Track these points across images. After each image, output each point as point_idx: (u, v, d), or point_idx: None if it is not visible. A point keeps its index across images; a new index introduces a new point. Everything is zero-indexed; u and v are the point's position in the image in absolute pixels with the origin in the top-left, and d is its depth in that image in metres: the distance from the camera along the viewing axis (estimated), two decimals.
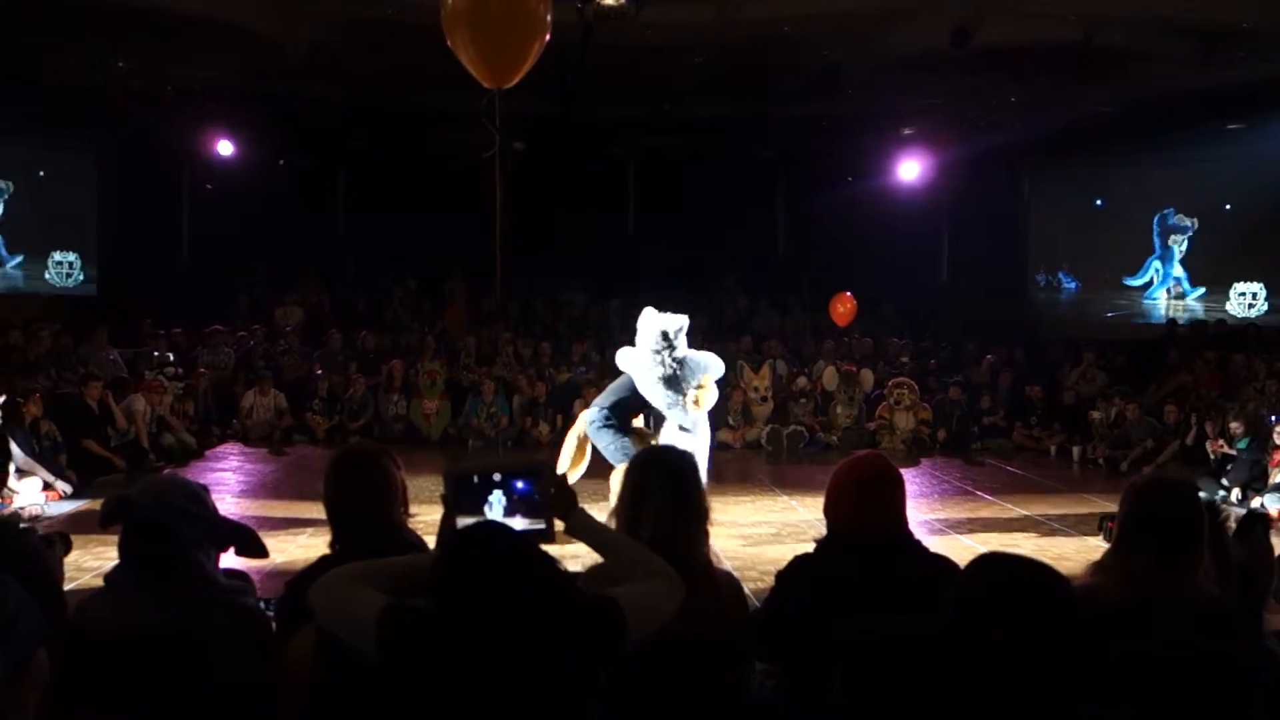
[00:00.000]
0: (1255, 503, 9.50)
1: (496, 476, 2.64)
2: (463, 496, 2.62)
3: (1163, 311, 16.88)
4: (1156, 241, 16.95)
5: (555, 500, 2.62)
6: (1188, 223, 16.62)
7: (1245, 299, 16.20)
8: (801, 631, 2.80)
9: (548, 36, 6.52)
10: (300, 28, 12.48)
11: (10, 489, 8.36)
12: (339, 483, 2.96)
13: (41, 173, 16.00)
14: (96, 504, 7.42)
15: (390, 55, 13.18)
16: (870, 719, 2.52)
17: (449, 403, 13.74)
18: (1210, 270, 16.54)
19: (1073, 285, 17.87)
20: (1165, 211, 16.76)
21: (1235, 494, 10.15)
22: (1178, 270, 16.90)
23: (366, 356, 14.74)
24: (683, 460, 3.09)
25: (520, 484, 2.62)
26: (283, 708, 2.59)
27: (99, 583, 2.80)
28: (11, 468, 8.10)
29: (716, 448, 13.03)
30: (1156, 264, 17.02)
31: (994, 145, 15.08)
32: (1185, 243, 16.74)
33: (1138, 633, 2.54)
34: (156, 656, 2.51)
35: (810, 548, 3.09)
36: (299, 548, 7.04)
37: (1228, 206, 16.05)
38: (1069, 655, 1.91)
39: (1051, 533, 8.49)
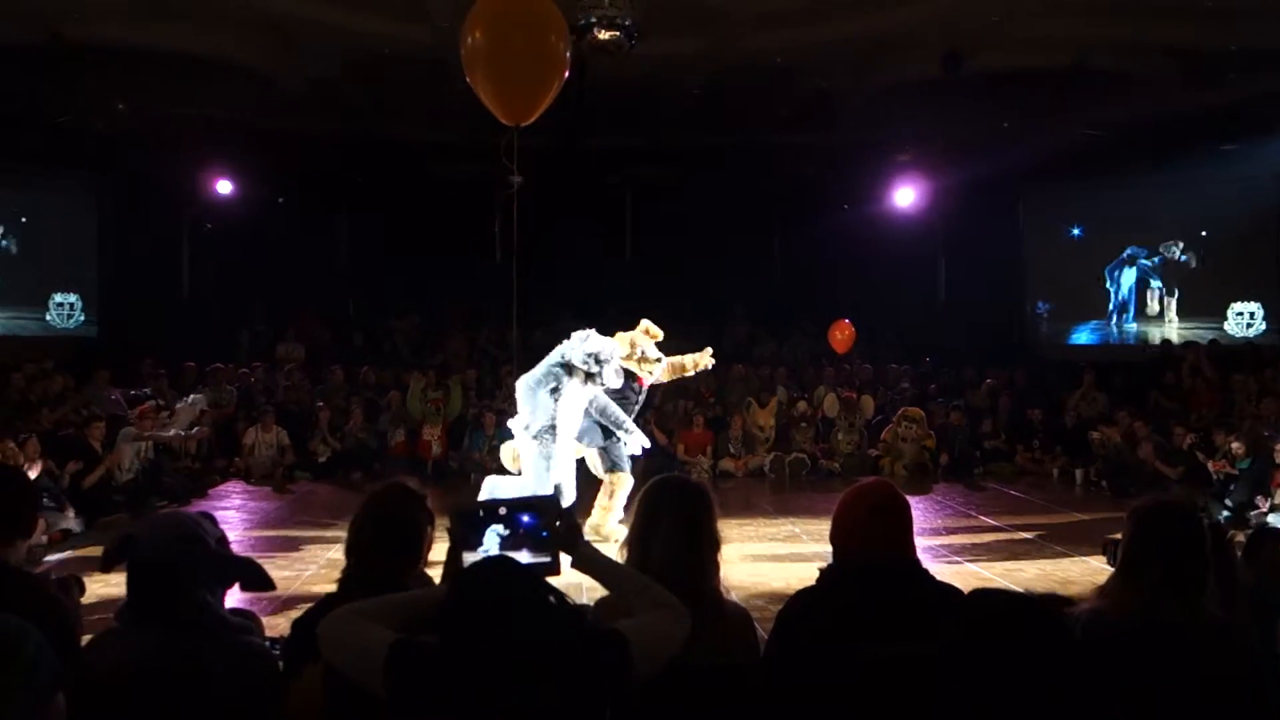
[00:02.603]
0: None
1: (502, 511, 2.65)
2: (468, 532, 2.62)
3: (1134, 336, 17.13)
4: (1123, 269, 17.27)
5: (561, 535, 2.63)
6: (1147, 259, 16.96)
7: (1243, 319, 16.24)
8: (809, 665, 2.78)
9: (566, 73, 6.60)
10: (298, 66, 12.58)
11: None
12: (368, 525, 2.97)
13: (24, 219, 16.00)
14: (98, 546, 7.40)
15: (388, 91, 13.28)
16: None
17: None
18: (1207, 290, 16.58)
19: (1046, 310, 18.02)
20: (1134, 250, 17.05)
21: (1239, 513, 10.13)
22: (1126, 296, 17.26)
23: (368, 392, 14.76)
24: (694, 489, 3.08)
25: (526, 518, 2.63)
26: None
27: (99, 623, 2.80)
28: None
29: (719, 476, 13.16)
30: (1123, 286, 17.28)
31: (988, 170, 15.15)
32: (1136, 272, 17.10)
33: (1143, 656, 2.54)
34: (165, 696, 2.52)
35: (813, 575, 3.07)
36: (303, 584, 7.04)
37: (1223, 227, 16.09)
38: (1063, 689, 1.93)
39: (1056, 556, 8.48)
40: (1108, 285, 17.38)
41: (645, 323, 9.18)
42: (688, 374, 9.92)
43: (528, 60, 6.50)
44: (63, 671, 1.69)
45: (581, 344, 8.34)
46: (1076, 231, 17.63)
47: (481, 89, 6.55)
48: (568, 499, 8.01)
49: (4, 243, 15.84)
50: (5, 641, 1.60)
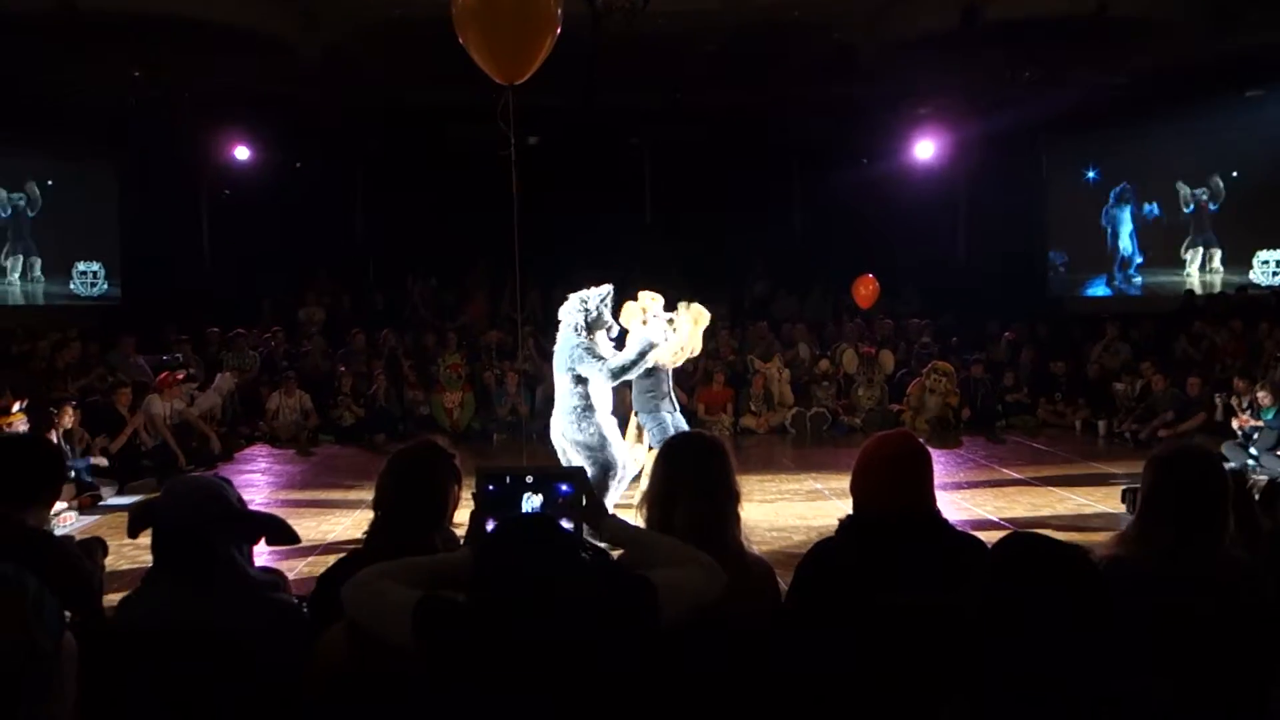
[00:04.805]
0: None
1: (529, 479, 2.67)
2: (495, 498, 2.64)
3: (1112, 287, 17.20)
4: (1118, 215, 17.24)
5: (587, 508, 2.65)
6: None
7: (1269, 267, 16.08)
8: (828, 615, 2.80)
9: (559, 30, 6.54)
10: (312, 31, 12.54)
11: None
12: (395, 479, 3.00)
13: (50, 181, 16.15)
14: (126, 508, 7.49)
15: (402, 54, 13.22)
16: (897, 696, 2.53)
17: (473, 394, 13.81)
18: (1233, 238, 16.43)
19: (1062, 262, 17.87)
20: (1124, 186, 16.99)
21: (1266, 460, 10.08)
22: (1127, 246, 17.15)
23: (388, 354, 14.83)
24: (709, 442, 3.09)
25: (564, 486, 2.64)
26: (318, 702, 2.62)
27: (125, 585, 2.84)
28: None
29: (740, 433, 13.18)
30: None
31: (1010, 122, 14.97)
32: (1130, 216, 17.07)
33: (1163, 600, 2.55)
34: (196, 653, 2.56)
35: (833, 529, 3.08)
36: (329, 545, 7.11)
37: (1249, 174, 15.90)
38: (1098, 631, 1.93)
39: (1078, 506, 8.48)
40: (1108, 236, 17.27)
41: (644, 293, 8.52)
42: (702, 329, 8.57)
43: (519, 19, 6.45)
44: (66, 616, 1.76)
45: (578, 300, 7.80)
46: (1092, 174, 17.48)
47: (473, 48, 6.52)
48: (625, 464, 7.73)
49: (29, 213, 15.95)
50: (8, 583, 1.68)
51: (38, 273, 16.34)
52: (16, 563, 1.79)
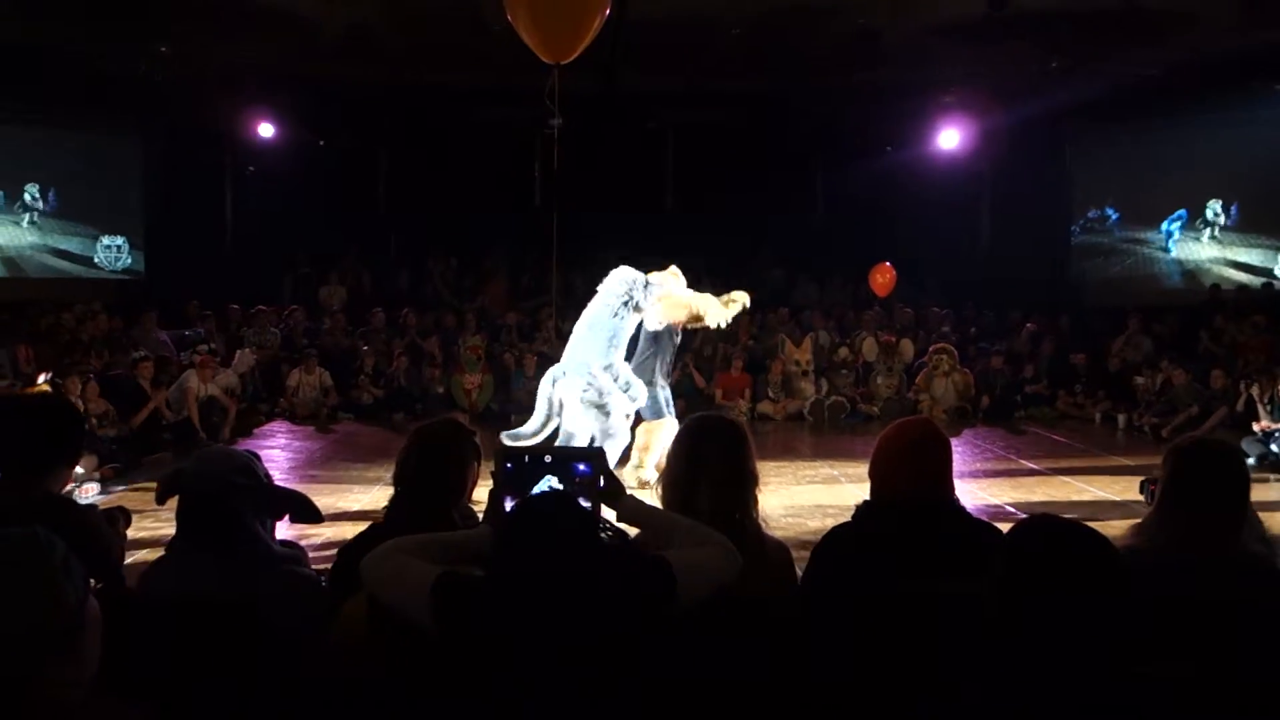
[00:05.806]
0: None
1: (548, 459, 2.69)
2: (513, 476, 2.67)
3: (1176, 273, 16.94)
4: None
5: (605, 488, 2.67)
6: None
7: None
8: (843, 599, 2.81)
9: (607, 11, 6.55)
10: (337, 9, 12.55)
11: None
12: (416, 455, 3.03)
13: (74, 157, 16.15)
14: (146, 481, 7.56)
15: (427, 33, 13.22)
16: (910, 683, 2.54)
17: (491, 377, 13.83)
18: (1259, 232, 16.25)
19: (1115, 217, 17.63)
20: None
21: None
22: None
23: (409, 334, 14.88)
24: (732, 425, 3.10)
25: (582, 466, 2.66)
26: (337, 674, 2.65)
27: (148, 556, 2.87)
28: None
29: (757, 419, 13.18)
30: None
31: (1035, 112, 14.87)
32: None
33: (1179, 590, 2.55)
34: (217, 624, 2.59)
35: (850, 514, 3.09)
36: (348, 520, 7.15)
37: (1276, 168, 15.70)
38: (1117, 616, 1.93)
39: (1096, 498, 8.46)
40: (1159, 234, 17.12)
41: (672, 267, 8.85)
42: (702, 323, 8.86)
43: None
44: (89, 581, 1.80)
45: (631, 278, 8.24)
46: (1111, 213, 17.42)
47: (522, 26, 6.52)
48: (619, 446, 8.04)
49: (45, 200, 15.95)
50: (37, 543, 1.72)
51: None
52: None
